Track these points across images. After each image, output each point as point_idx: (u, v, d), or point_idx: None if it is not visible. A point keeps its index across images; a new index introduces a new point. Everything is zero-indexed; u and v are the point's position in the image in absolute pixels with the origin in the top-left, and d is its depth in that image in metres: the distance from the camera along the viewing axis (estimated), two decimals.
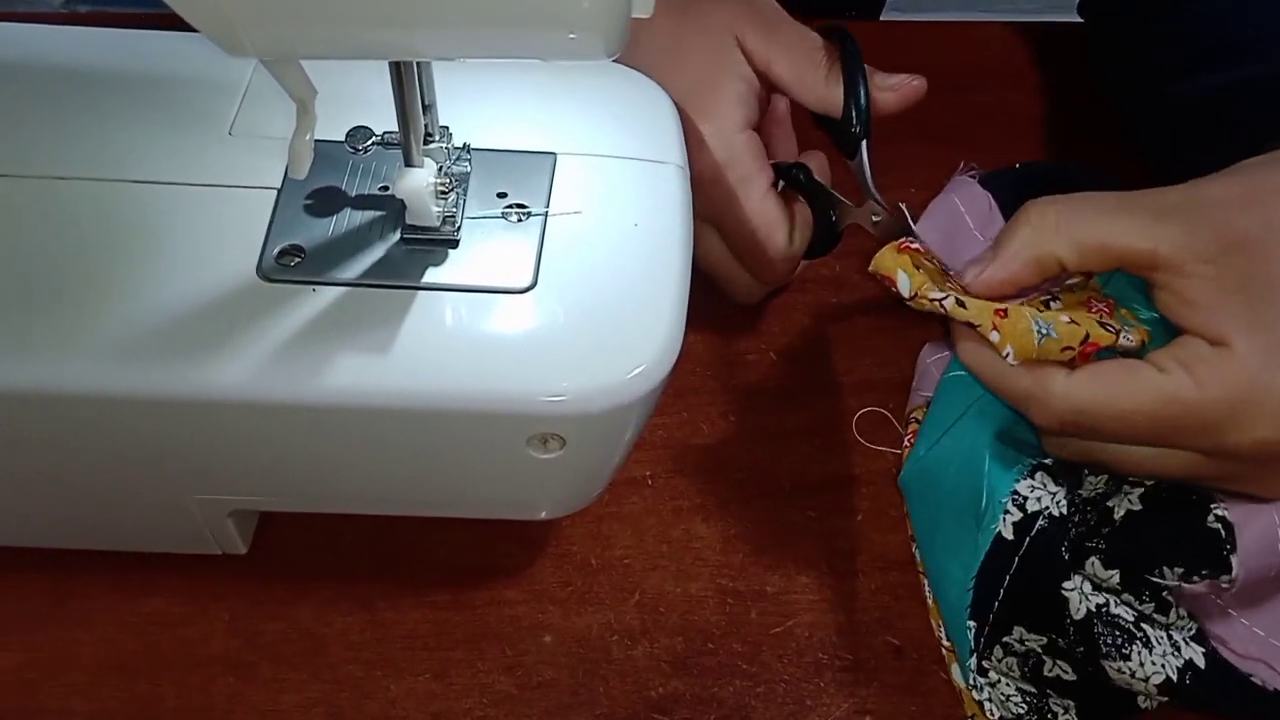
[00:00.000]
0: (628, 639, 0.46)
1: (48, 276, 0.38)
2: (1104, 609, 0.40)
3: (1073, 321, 0.39)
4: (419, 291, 0.39)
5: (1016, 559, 0.41)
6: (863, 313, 0.55)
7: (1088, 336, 0.39)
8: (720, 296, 0.54)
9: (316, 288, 0.38)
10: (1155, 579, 0.40)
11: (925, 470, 0.46)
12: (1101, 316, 0.41)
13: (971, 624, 0.42)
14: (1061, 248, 0.39)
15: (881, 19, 0.79)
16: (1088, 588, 0.40)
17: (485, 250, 0.40)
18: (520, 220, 0.40)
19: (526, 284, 0.39)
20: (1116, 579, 0.40)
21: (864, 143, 0.46)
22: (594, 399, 0.38)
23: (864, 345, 0.54)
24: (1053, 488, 0.42)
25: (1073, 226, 0.39)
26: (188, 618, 0.45)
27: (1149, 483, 0.41)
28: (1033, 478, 0.42)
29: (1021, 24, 0.67)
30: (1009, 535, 0.42)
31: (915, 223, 0.45)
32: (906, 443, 0.49)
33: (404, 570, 0.47)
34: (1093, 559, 0.41)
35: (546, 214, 0.41)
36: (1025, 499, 0.42)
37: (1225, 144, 0.40)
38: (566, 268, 0.39)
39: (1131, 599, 0.41)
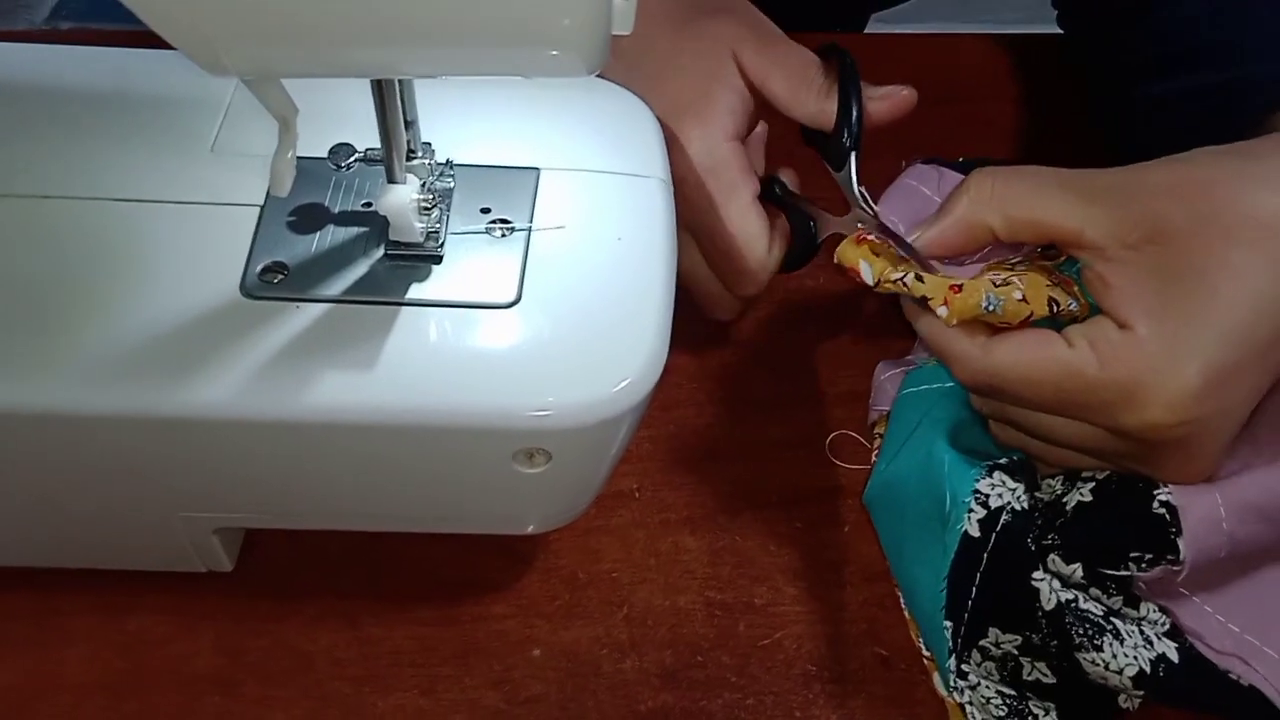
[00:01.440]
0: (616, 652, 0.46)
1: (30, 295, 0.38)
2: (1073, 604, 0.41)
3: (1024, 300, 0.41)
4: (403, 307, 0.39)
5: (985, 555, 0.42)
6: (847, 325, 0.55)
7: (1031, 316, 0.41)
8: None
9: (300, 305, 0.38)
10: (1114, 572, 0.41)
11: (886, 484, 0.47)
12: (1060, 288, 0.42)
13: (948, 624, 0.42)
14: (993, 218, 0.41)
15: (865, 31, 0.80)
16: (1057, 584, 0.41)
17: (469, 266, 0.40)
18: (504, 235, 0.40)
19: (511, 299, 0.39)
20: (1080, 573, 0.41)
21: (853, 154, 0.47)
22: (580, 413, 0.38)
23: (848, 357, 0.54)
24: (1012, 484, 0.43)
25: (1006, 199, 0.41)
26: (174, 636, 0.45)
27: (1100, 476, 0.43)
28: (991, 476, 0.43)
29: (1003, 35, 0.68)
30: (975, 533, 0.42)
31: (876, 202, 0.46)
32: (874, 458, 0.49)
33: (390, 586, 0.47)
34: (1052, 555, 0.42)
35: (530, 229, 0.41)
36: (987, 496, 0.42)
37: (1191, 147, 0.41)
38: (551, 282, 0.39)
39: (1099, 594, 0.42)
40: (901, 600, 0.47)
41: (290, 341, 0.37)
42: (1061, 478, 0.44)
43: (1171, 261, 0.38)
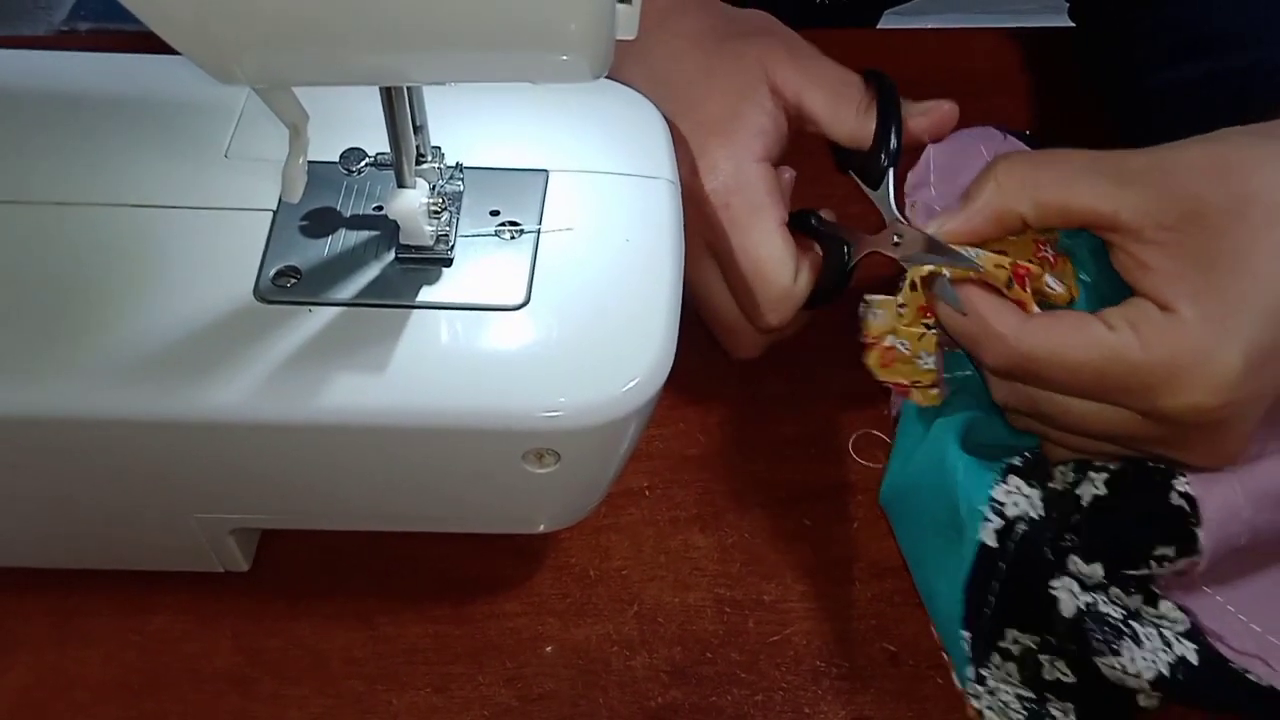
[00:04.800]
0: (627, 649, 0.46)
1: (47, 300, 0.39)
2: (1092, 607, 0.40)
3: (1000, 266, 0.41)
4: (414, 310, 0.39)
5: (1003, 565, 0.42)
6: (855, 322, 0.55)
7: (1010, 282, 0.41)
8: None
9: (313, 308, 0.39)
10: (1135, 570, 0.41)
11: (901, 488, 0.47)
12: (1043, 265, 0.42)
13: (965, 634, 0.43)
14: (1024, 206, 0.40)
15: (878, 27, 0.80)
16: (1076, 587, 0.41)
17: (479, 268, 0.40)
18: (513, 238, 0.41)
19: (520, 301, 0.39)
20: (1101, 573, 0.41)
21: (891, 171, 0.46)
22: (589, 413, 0.38)
23: (856, 354, 0.54)
24: (1027, 490, 0.43)
25: (1037, 186, 0.40)
26: (191, 635, 0.46)
27: (1113, 467, 0.42)
28: (1006, 482, 0.43)
29: (1016, 30, 0.68)
30: (992, 543, 0.42)
31: (930, 152, 0.46)
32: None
33: (404, 585, 0.47)
34: (1072, 556, 0.41)
35: (539, 231, 0.41)
36: (1003, 505, 0.42)
37: (1199, 133, 0.41)
38: (560, 284, 0.40)
39: (1120, 593, 0.41)
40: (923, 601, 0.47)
41: (303, 345, 0.38)
42: (1073, 465, 0.44)
43: (1212, 243, 0.38)
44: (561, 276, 0.40)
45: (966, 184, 0.43)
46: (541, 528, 0.46)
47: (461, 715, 0.44)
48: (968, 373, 0.47)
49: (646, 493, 0.50)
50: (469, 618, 0.46)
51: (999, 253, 0.41)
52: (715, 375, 0.53)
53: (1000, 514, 0.42)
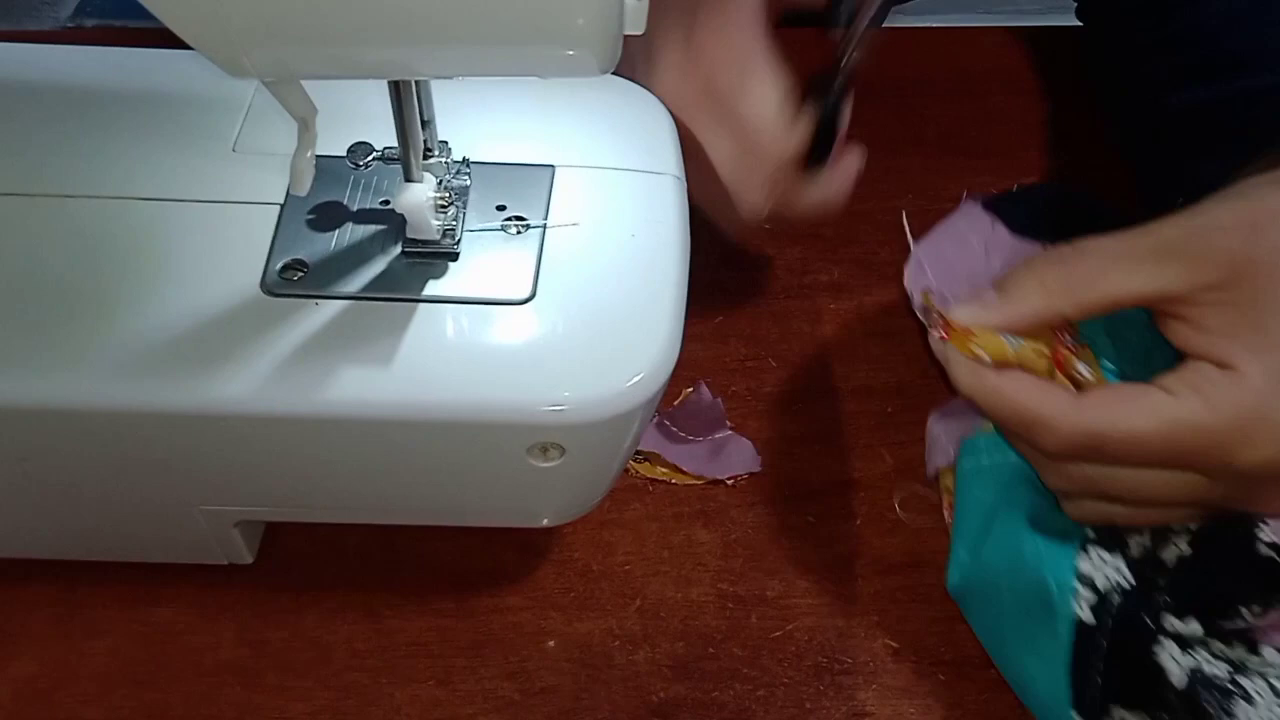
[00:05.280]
0: (629, 644, 0.46)
1: (55, 293, 0.39)
2: (1199, 672, 0.39)
3: (1040, 355, 0.40)
4: (420, 304, 0.39)
5: (1104, 641, 0.40)
6: (860, 319, 0.55)
7: (1051, 347, 0.40)
8: (717, 304, 0.54)
9: (319, 301, 0.39)
10: (1231, 624, 0.40)
11: (977, 577, 0.45)
12: (1066, 355, 0.41)
13: (1076, 716, 0.41)
14: (1068, 308, 0.40)
15: (882, 25, 0.80)
16: (1176, 650, 0.40)
17: (485, 262, 0.40)
18: (519, 232, 0.41)
19: (526, 295, 0.39)
20: (1199, 628, 0.40)
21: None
22: (593, 408, 0.38)
23: (861, 351, 0.54)
24: (1111, 559, 0.41)
25: (1078, 287, 0.39)
26: (195, 627, 0.46)
27: (1193, 526, 0.42)
28: (1088, 554, 0.42)
29: (1019, 28, 0.68)
30: (1090, 619, 0.41)
31: (914, 240, 0.45)
32: (947, 517, 0.48)
33: (408, 578, 0.47)
34: (1167, 615, 0.40)
35: (545, 226, 0.41)
36: (1092, 578, 0.41)
37: (1214, 155, 0.41)
38: (565, 279, 0.40)
39: (1222, 647, 0.40)
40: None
41: (310, 338, 0.38)
42: (1149, 531, 0.43)
43: (1261, 297, 0.37)
44: (567, 271, 0.40)
45: (967, 274, 0.43)
46: (545, 522, 0.46)
47: (464, 708, 0.44)
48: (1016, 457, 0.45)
49: (650, 488, 0.50)
50: (472, 611, 0.47)
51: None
52: (719, 371, 0.53)
53: (1091, 587, 0.41)
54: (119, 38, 0.46)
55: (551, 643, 0.46)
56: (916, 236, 0.45)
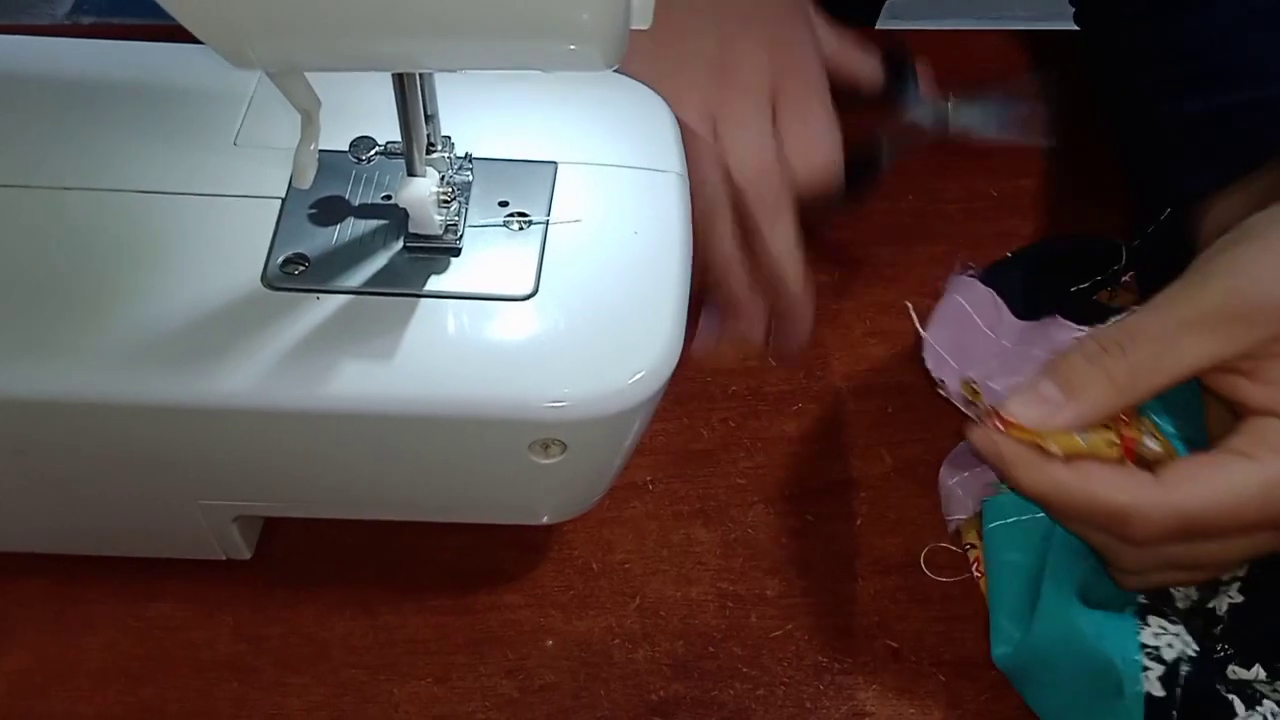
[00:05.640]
0: (629, 643, 0.46)
1: (54, 285, 0.39)
2: None
3: (1111, 445, 0.40)
4: (422, 299, 0.39)
5: (1175, 713, 0.40)
6: (861, 319, 0.55)
7: (1118, 433, 0.39)
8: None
9: (321, 296, 0.39)
10: None
11: (1031, 654, 0.44)
12: (1133, 436, 0.41)
13: None
14: (1139, 397, 0.39)
15: (877, 27, 0.80)
16: (1243, 709, 0.39)
17: (487, 258, 0.40)
18: (522, 228, 0.41)
19: (528, 291, 0.39)
20: (1263, 674, 0.40)
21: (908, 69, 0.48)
22: (595, 405, 0.38)
23: (862, 351, 0.54)
24: (1172, 626, 0.41)
25: (1146, 376, 0.39)
26: (192, 622, 0.46)
27: (1241, 574, 0.41)
28: (1148, 624, 0.41)
29: (1017, 31, 0.68)
30: (1159, 692, 0.40)
31: (923, 328, 0.45)
32: (975, 573, 0.47)
33: (406, 575, 0.47)
34: (1231, 666, 0.40)
35: (547, 222, 0.41)
36: (1158, 649, 0.40)
37: (1207, 167, 0.40)
38: (567, 275, 0.40)
39: None
40: None
41: (311, 332, 0.38)
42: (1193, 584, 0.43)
43: None
44: (569, 268, 0.40)
45: (983, 356, 0.42)
46: (545, 519, 0.46)
47: (462, 706, 0.44)
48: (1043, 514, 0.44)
49: (650, 486, 0.50)
50: (471, 609, 0.46)
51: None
52: (720, 370, 0.53)
53: (1158, 659, 0.40)
54: (116, 35, 0.46)
55: (550, 641, 0.46)
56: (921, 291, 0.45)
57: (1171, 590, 0.43)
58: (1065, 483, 0.39)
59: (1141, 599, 0.42)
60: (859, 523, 0.49)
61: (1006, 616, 0.45)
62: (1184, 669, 0.40)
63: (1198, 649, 0.40)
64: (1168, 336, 0.39)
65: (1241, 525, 0.38)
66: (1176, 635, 0.41)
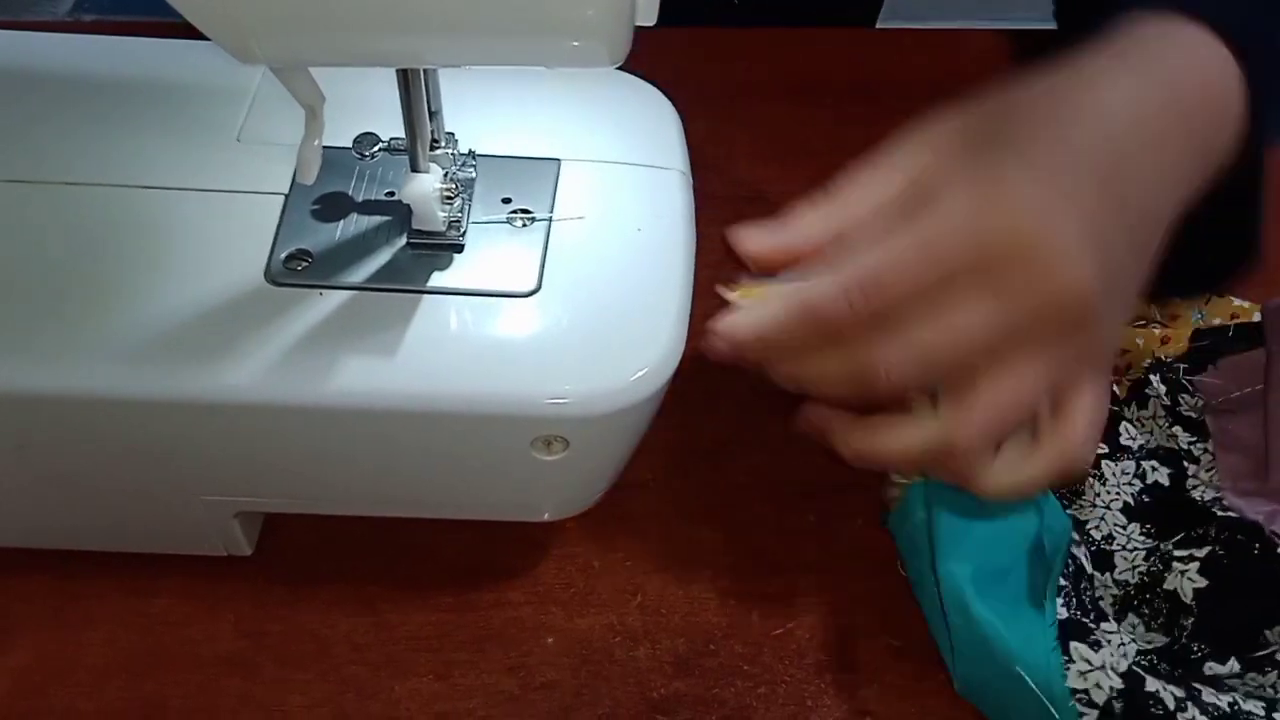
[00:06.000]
0: (630, 640, 0.46)
1: (58, 281, 0.39)
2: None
3: None
4: (424, 295, 0.39)
5: None
6: None
7: None
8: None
9: (323, 291, 0.39)
10: (1262, 653, 0.40)
11: (977, 686, 0.44)
12: None
13: None
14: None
15: (877, 26, 0.80)
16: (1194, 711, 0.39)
17: (490, 255, 0.40)
18: (525, 225, 0.41)
19: (531, 288, 0.39)
20: (1238, 666, 0.40)
21: None
22: (597, 401, 0.38)
23: None
24: (1095, 654, 0.40)
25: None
26: (193, 618, 0.46)
27: (1199, 554, 0.41)
28: (1073, 659, 0.40)
29: (1013, 31, 0.68)
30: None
31: None
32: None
33: (408, 572, 0.47)
34: (1208, 663, 0.40)
35: (550, 219, 0.41)
36: (1088, 692, 0.40)
37: None
38: (570, 272, 0.40)
39: (1256, 676, 0.40)
40: None
41: (313, 328, 0.38)
42: (1143, 551, 0.42)
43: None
44: (572, 265, 0.40)
45: None
46: (547, 516, 0.46)
47: (463, 703, 0.44)
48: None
49: (651, 484, 0.50)
50: (472, 606, 0.46)
51: None
52: (722, 369, 0.53)
53: (1090, 704, 0.40)
54: (117, 32, 0.46)
55: (551, 638, 0.46)
56: None
57: (1095, 583, 0.42)
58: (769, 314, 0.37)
59: (1060, 613, 0.41)
60: (860, 522, 0.49)
61: (947, 650, 0.44)
62: (1117, 706, 0.39)
63: (1121, 686, 0.39)
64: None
65: (920, 273, 0.35)
66: (1100, 668, 0.40)
